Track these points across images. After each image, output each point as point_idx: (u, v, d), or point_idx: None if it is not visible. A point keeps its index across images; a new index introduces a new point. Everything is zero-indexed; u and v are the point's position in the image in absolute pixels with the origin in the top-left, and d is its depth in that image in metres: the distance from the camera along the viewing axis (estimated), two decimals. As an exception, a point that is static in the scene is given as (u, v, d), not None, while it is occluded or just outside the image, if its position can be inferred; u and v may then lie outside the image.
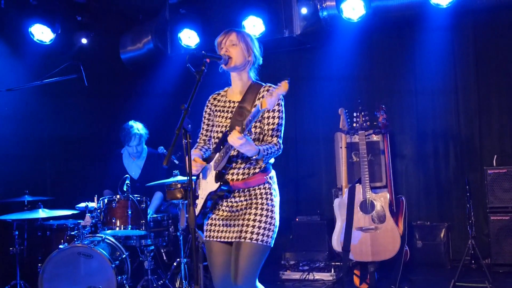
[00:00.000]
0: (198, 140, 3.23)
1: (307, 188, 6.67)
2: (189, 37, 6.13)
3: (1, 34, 5.48)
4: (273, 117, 2.97)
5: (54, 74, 4.57)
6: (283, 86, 2.58)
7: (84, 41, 6.03)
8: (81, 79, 4.57)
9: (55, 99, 5.79)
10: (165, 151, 5.18)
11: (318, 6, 5.71)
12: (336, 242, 4.90)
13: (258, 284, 2.98)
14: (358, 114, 4.94)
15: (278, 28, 5.84)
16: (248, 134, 2.76)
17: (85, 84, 4.60)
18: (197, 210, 3.01)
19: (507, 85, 5.83)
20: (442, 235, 5.70)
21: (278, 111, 2.98)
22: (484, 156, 5.86)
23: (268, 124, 2.97)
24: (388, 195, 4.82)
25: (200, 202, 3.02)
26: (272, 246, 2.95)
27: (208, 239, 3.04)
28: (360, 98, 5.23)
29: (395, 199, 4.92)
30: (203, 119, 3.22)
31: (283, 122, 3.01)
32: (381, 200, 4.80)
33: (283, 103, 3.01)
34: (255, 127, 2.97)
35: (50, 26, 5.60)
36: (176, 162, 5.08)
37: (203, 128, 3.22)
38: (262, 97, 2.84)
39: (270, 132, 2.97)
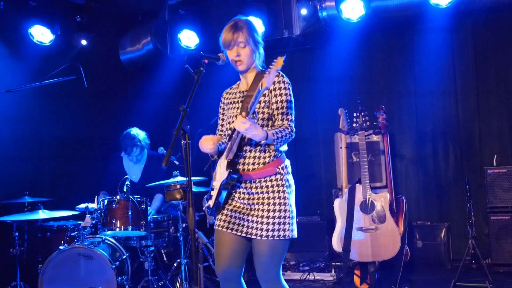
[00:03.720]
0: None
1: (307, 188, 6.66)
2: (188, 38, 6.13)
3: (0, 35, 5.48)
4: (281, 101, 2.95)
5: (53, 75, 4.56)
6: (278, 62, 2.57)
7: (83, 42, 6.03)
8: (80, 80, 4.57)
9: (54, 100, 5.79)
10: (164, 152, 5.18)
11: (318, 7, 5.70)
12: (337, 242, 4.90)
13: (282, 279, 2.99)
14: (358, 114, 4.94)
15: (277, 29, 5.83)
16: (253, 117, 2.73)
17: (85, 85, 4.60)
18: (212, 202, 3.01)
19: (506, 85, 5.83)
20: (442, 235, 5.70)
21: (286, 94, 2.96)
22: (484, 156, 5.86)
23: (277, 108, 2.96)
24: (388, 195, 4.82)
25: (214, 194, 3.01)
26: (293, 237, 2.93)
27: (219, 228, 3.01)
28: (359, 98, 5.23)
29: (395, 199, 4.92)
30: (218, 114, 3.25)
31: (293, 106, 2.99)
32: (381, 200, 4.80)
33: (290, 87, 3.00)
34: (263, 113, 2.96)
35: (49, 27, 5.61)
36: (176, 163, 5.08)
37: (219, 124, 3.25)
38: None
39: (280, 116, 2.95)
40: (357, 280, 4.92)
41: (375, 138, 5.47)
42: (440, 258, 5.68)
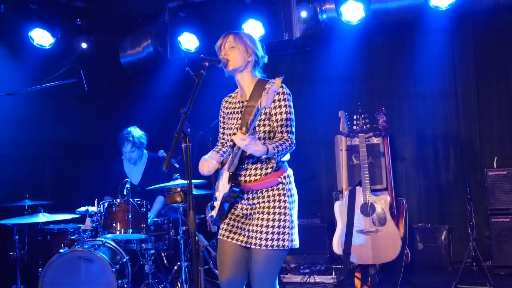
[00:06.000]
0: (217, 143, 3.29)
1: (308, 190, 6.65)
2: (188, 41, 6.13)
3: (1, 39, 5.48)
4: (281, 113, 2.97)
5: (54, 78, 4.57)
6: (277, 83, 2.61)
7: (84, 45, 6.03)
8: (81, 83, 4.57)
9: (55, 103, 5.80)
10: (165, 154, 5.18)
11: (318, 9, 5.71)
12: (337, 245, 4.89)
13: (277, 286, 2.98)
14: (358, 116, 4.94)
15: (277, 31, 5.85)
16: (254, 133, 2.76)
17: (85, 88, 4.60)
18: (215, 212, 3.04)
19: (507, 87, 5.83)
20: (443, 237, 5.70)
21: (285, 106, 2.98)
22: (484, 158, 5.86)
23: (276, 121, 2.98)
24: (388, 198, 4.82)
25: (217, 205, 3.04)
26: (293, 247, 2.93)
27: (220, 237, 3.04)
28: (360, 100, 5.24)
29: (396, 201, 4.92)
30: (219, 123, 3.27)
31: (293, 117, 3.02)
32: (382, 202, 4.79)
33: (291, 99, 3.03)
34: (264, 125, 2.98)
35: (49, 31, 5.61)
36: (176, 165, 5.07)
37: (220, 132, 3.27)
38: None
39: (279, 128, 2.98)
40: (357, 282, 4.91)
41: (375, 140, 5.47)
42: (441, 260, 5.67)
